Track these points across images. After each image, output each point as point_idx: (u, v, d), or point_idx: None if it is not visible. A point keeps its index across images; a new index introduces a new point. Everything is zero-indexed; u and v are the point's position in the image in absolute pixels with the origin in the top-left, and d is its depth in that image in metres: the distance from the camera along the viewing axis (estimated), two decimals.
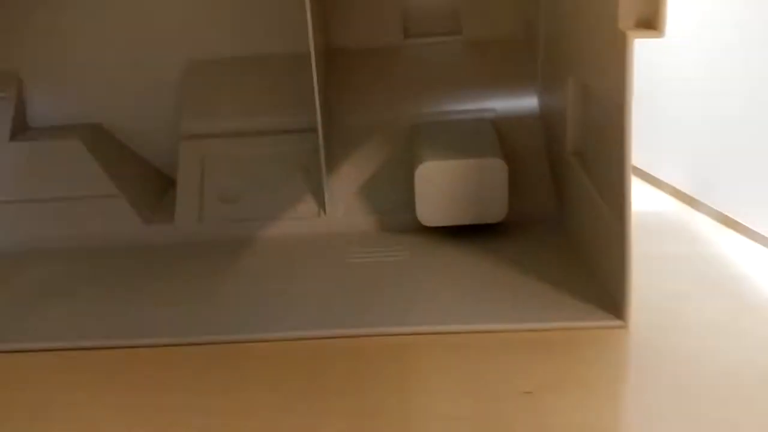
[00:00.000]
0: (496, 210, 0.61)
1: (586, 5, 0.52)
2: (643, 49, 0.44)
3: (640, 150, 0.52)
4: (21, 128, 0.73)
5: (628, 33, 0.44)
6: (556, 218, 0.64)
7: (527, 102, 0.69)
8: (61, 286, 0.59)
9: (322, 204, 0.66)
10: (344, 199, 0.67)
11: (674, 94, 0.68)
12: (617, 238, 0.48)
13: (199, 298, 0.56)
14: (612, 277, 0.50)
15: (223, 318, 0.53)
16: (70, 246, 0.67)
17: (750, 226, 0.60)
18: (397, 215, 0.65)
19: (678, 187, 0.68)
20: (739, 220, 0.61)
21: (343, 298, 0.54)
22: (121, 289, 0.58)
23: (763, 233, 0.59)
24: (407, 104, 0.69)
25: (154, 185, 0.73)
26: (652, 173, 0.71)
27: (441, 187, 0.61)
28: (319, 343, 0.49)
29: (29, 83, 0.74)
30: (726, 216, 0.62)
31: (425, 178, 0.61)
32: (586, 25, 0.53)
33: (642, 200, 0.68)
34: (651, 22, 0.44)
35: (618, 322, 0.48)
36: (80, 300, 0.57)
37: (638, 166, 0.70)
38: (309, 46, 0.61)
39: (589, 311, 0.50)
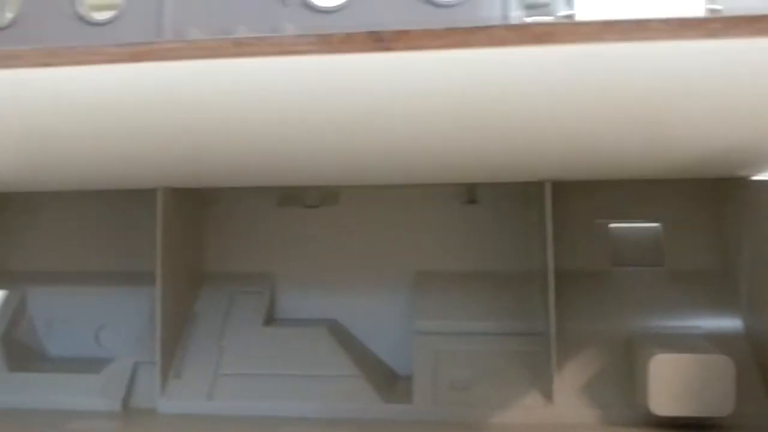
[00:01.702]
0: (722, 404, 0.67)
1: None
2: None
3: None
4: (270, 319, 0.84)
5: None
6: None
7: (731, 322, 0.77)
8: None
9: (548, 395, 0.73)
10: (569, 392, 0.73)
11: None
12: None
13: None
14: None
15: None
16: (312, 416, 0.74)
17: None
18: (620, 409, 0.71)
19: None
20: None
21: None
22: None
23: None
24: (620, 319, 0.78)
25: (385, 373, 0.81)
26: None
27: (672, 378, 0.67)
28: None
29: (280, 282, 0.86)
30: None
31: (658, 370, 0.68)
32: None
33: None
34: None
35: None
36: None
37: None
38: (546, 267, 0.73)
39: None
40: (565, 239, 0.79)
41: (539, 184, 0.77)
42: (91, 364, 0.83)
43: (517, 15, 0.67)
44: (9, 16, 0.74)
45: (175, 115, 0.50)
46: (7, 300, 0.89)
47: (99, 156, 0.65)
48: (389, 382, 0.79)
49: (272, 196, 0.88)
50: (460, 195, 0.86)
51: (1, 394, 0.80)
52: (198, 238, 0.88)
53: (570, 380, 0.74)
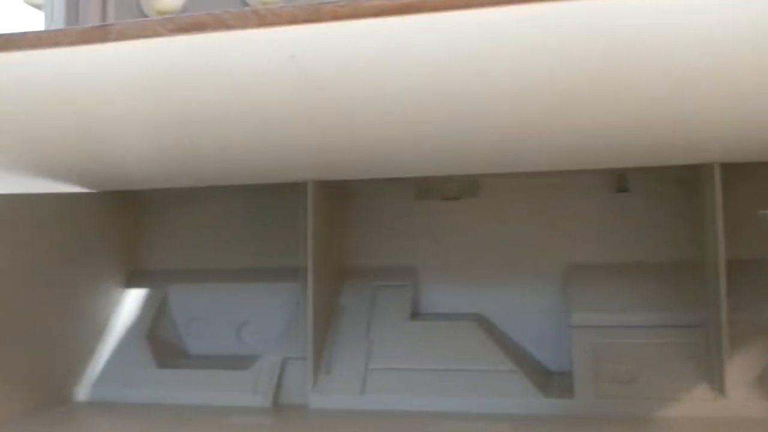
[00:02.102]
0: None
1: None
2: None
3: None
4: (415, 313, 0.82)
5: None
6: None
7: None
8: None
9: (719, 388, 0.69)
10: (741, 385, 0.69)
11: None
12: None
13: None
14: None
15: None
16: (469, 411, 0.72)
17: None
18: None
19: None
20: None
21: None
22: None
23: None
24: None
25: (539, 368, 0.78)
26: None
27: None
28: None
29: (423, 275, 0.85)
30: None
31: None
32: None
33: None
34: None
35: None
36: None
37: None
38: (716, 255, 0.69)
39: None
40: (731, 225, 0.75)
41: (695, 168, 0.72)
42: (234, 361, 0.83)
43: None
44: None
45: (324, 104, 0.49)
46: (149, 299, 0.90)
47: (251, 147, 0.64)
48: (545, 376, 0.77)
49: (409, 188, 0.87)
50: (610, 183, 0.82)
51: (153, 390, 0.80)
52: (341, 231, 0.87)
53: (742, 372, 0.70)
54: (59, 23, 0.90)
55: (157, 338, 0.87)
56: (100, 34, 0.37)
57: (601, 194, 0.82)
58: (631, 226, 0.81)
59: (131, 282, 0.91)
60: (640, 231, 0.80)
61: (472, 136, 0.61)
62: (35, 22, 2.16)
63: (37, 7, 2.09)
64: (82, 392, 0.82)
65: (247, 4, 0.86)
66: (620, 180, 0.82)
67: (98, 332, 0.86)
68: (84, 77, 0.43)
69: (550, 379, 0.76)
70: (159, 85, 0.45)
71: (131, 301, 0.89)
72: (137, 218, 0.93)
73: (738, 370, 0.70)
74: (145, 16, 0.85)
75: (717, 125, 0.59)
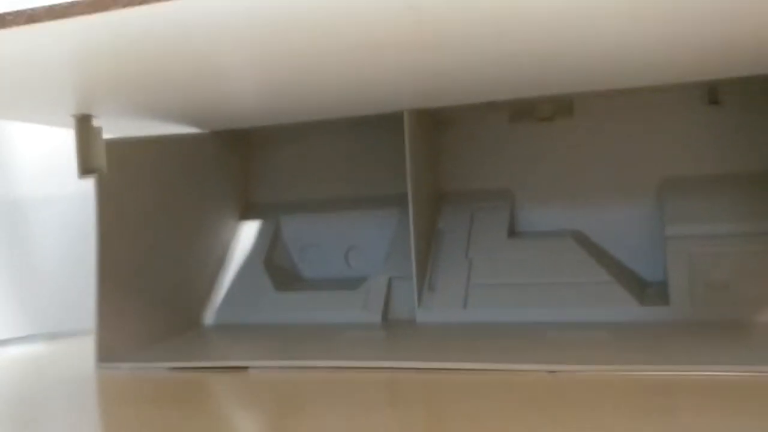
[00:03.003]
0: None
1: None
2: None
3: None
4: (513, 232, 0.86)
5: None
6: None
7: None
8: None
9: None
10: None
11: None
12: None
13: None
14: None
15: None
16: (569, 321, 0.75)
17: None
18: None
19: None
20: None
21: None
22: None
23: None
24: None
25: (635, 279, 0.81)
26: None
27: None
28: None
29: (519, 197, 0.88)
30: None
31: None
32: None
33: None
34: None
35: None
36: None
37: None
38: None
39: None
40: None
41: None
42: (344, 283, 0.89)
43: None
44: None
45: (418, 33, 0.52)
46: (263, 229, 0.97)
47: (345, 80, 0.68)
48: (641, 286, 0.79)
49: (503, 111, 0.90)
50: (701, 96, 0.83)
51: (272, 312, 0.87)
52: (438, 158, 0.91)
53: None
54: None
55: (272, 264, 0.94)
56: None
57: (692, 108, 0.83)
58: (723, 138, 0.81)
59: (246, 214, 0.98)
60: (731, 142, 0.81)
61: (566, 53, 0.63)
62: None
63: None
64: (209, 316, 0.90)
65: None
66: (711, 93, 0.82)
67: (220, 262, 0.94)
68: (198, 26, 0.48)
69: (646, 289, 0.79)
70: (266, 31, 0.49)
71: (247, 232, 0.97)
72: (248, 155, 1.00)
73: None
74: None
75: None
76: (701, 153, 0.82)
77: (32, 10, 0.45)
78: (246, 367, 0.68)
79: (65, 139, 0.82)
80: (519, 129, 0.89)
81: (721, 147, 0.82)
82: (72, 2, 0.43)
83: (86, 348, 0.75)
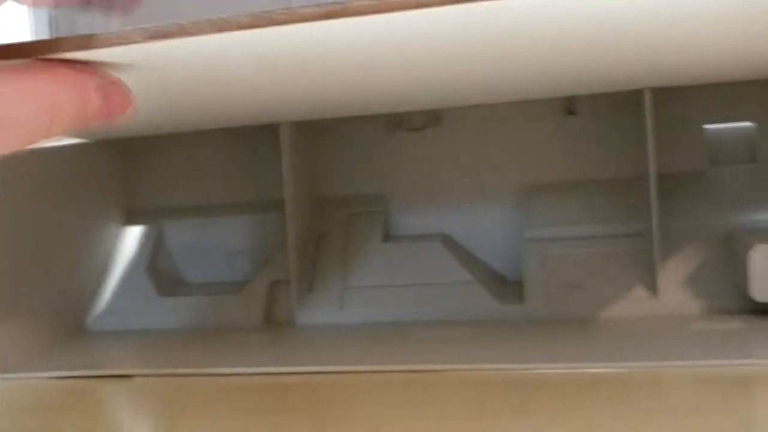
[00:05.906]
0: None
1: None
2: None
3: None
4: (387, 236, 0.92)
5: None
6: None
7: None
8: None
9: (653, 289, 0.78)
10: (674, 286, 0.79)
11: None
12: None
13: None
14: None
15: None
16: (433, 319, 0.82)
17: None
18: (722, 299, 0.77)
19: None
20: None
21: None
22: None
23: None
24: (720, 216, 0.82)
25: (497, 278, 0.88)
26: None
27: None
28: None
29: (393, 202, 0.94)
30: None
31: (758, 259, 0.72)
32: None
33: None
34: None
35: None
36: None
37: None
38: (648, 170, 0.77)
39: None
40: (664, 143, 0.83)
41: (637, 93, 0.80)
42: (227, 286, 0.93)
43: None
44: None
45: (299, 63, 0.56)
46: (146, 235, 0.99)
47: (233, 98, 0.72)
48: (501, 286, 0.86)
49: (379, 122, 0.95)
50: (560, 108, 0.90)
51: (156, 317, 0.90)
52: (316, 166, 0.95)
53: (674, 275, 0.79)
54: None
55: (155, 270, 0.96)
56: None
57: (552, 119, 0.90)
58: (580, 147, 0.89)
59: (129, 220, 1.00)
60: (585, 151, 0.89)
61: (433, 81, 0.68)
62: None
63: None
64: (94, 323, 0.92)
65: None
66: (569, 105, 0.90)
67: (103, 268, 0.95)
68: None
69: (506, 288, 0.86)
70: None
71: (130, 238, 0.98)
72: (131, 163, 1.01)
73: (670, 272, 0.79)
74: None
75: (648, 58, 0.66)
76: (559, 161, 0.90)
77: None
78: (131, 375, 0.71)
79: None
80: (393, 138, 0.95)
81: (576, 155, 0.89)
82: None
83: None
